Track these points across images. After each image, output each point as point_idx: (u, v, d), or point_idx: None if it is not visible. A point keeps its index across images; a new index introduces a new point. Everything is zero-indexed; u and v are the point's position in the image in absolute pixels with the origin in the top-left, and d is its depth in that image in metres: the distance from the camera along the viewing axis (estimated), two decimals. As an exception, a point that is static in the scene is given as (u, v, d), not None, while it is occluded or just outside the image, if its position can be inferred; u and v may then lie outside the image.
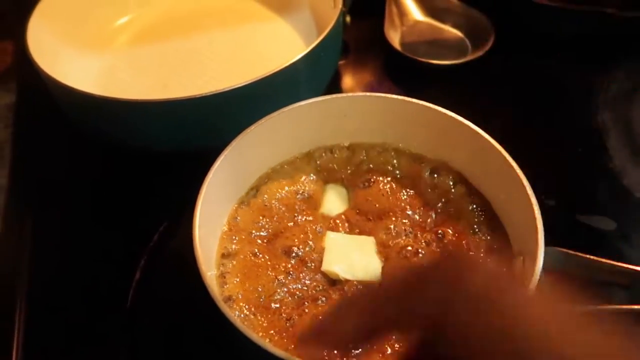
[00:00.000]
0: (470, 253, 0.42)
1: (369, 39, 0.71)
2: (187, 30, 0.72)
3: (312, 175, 0.47)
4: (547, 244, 0.36)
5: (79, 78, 0.63)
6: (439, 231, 0.44)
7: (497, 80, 0.66)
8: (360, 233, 0.44)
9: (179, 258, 0.49)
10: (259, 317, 0.39)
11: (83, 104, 0.54)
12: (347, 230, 0.44)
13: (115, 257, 0.51)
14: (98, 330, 0.47)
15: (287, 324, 0.38)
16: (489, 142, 0.43)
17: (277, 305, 0.39)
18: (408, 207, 0.45)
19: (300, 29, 0.71)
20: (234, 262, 0.41)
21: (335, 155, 0.49)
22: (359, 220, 0.45)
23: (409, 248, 0.43)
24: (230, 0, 0.76)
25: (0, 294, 0.49)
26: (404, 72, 0.67)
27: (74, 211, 0.55)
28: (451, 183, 0.46)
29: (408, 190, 0.46)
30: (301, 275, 0.41)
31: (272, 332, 0.38)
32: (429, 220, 0.45)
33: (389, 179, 0.47)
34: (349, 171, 0.47)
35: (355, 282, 0.41)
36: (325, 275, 0.41)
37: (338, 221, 0.44)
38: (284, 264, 0.41)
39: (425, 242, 0.43)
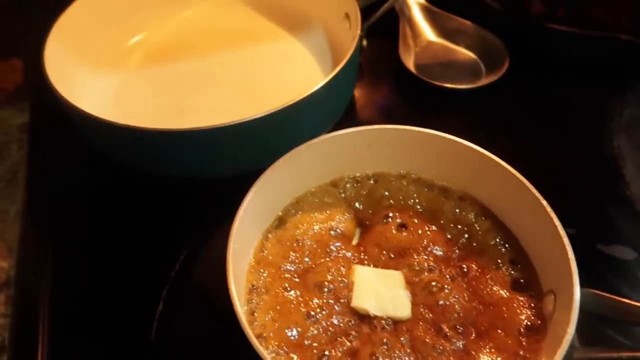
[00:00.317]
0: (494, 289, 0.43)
1: (383, 60, 0.71)
2: (200, 49, 0.72)
3: (346, 214, 0.46)
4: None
5: (95, 99, 0.63)
6: (463, 266, 0.44)
7: (511, 105, 0.66)
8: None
9: (203, 288, 0.50)
10: (292, 355, 0.39)
11: (102, 131, 0.53)
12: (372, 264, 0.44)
13: (137, 288, 0.50)
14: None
15: (321, 361, 0.39)
16: (515, 176, 0.43)
17: (310, 342, 0.39)
18: (431, 243, 0.45)
19: (313, 47, 0.72)
20: (265, 298, 0.41)
21: (359, 186, 0.49)
22: (383, 256, 0.45)
23: (434, 283, 0.43)
24: (241, 19, 0.76)
25: (20, 327, 0.49)
26: (419, 95, 0.68)
27: (92, 239, 0.55)
28: (474, 217, 0.46)
29: (430, 225, 0.46)
30: (334, 310, 0.41)
31: (305, 369, 0.38)
32: (452, 255, 0.45)
33: (410, 213, 0.47)
34: (370, 212, 0.47)
35: (384, 318, 0.41)
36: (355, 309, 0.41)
37: (365, 256, 0.45)
38: (316, 299, 0.41)
39: (450, 277, 0.44)
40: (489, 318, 0.41)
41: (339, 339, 0.40)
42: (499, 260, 0.44)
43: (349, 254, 0.44)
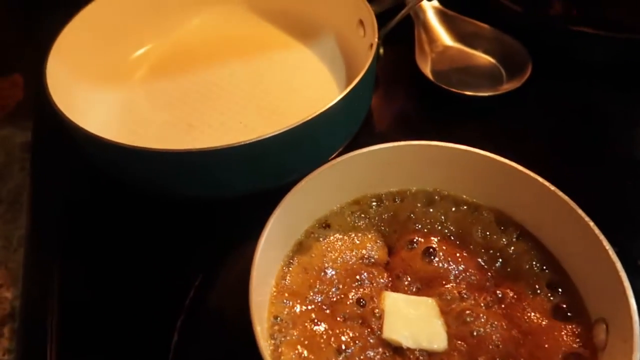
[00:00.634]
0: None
1: (399, 67, 0.68)
2: (206, 60, 0.69)
3: (379, 241, 0.43)
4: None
5: (99, 115, 0.60)
6: (498, 292, 0.41)
7: (536, 112, 0.63)
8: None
9: (221, 317, 0.47)
10: (322, 394, 0.36)
11: (107, 152, 0.50)
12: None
13: (149, 318, 0.47)
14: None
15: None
16: (555, 193, 0.40)
17: (341, 379, 0.36)
18: (462, 267, 0.42)
19: (324, 56, 0.69)
20: (292, 332, 0.38)
21: (384, 207, 0.46)
22: (412, 286, 0.42)
23: (468, 312, 0.40)
24: (250, 27, 0.73)
25: (29, 357, 0.46)
26: (437, 103, 0.64)
27: (100, 266, 0.52)
28: (505, 240, 0.43)
29: (460, 251, 0.43)
30: (368, 343, 0.38)
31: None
32: (486, 283, 0.42)
33: (438, 238, 0.44)
34: (395, 236, 0.44)
35: (418, 351, 0.38)
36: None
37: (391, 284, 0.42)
38: (348, 332, 0.38)
39: (484, 305, 0.40)
40: (529, 349, 0.38)
41: (371, 372, 0.37)
42: (537, 286, 0.41)
43: (382, 281, 0.41)
